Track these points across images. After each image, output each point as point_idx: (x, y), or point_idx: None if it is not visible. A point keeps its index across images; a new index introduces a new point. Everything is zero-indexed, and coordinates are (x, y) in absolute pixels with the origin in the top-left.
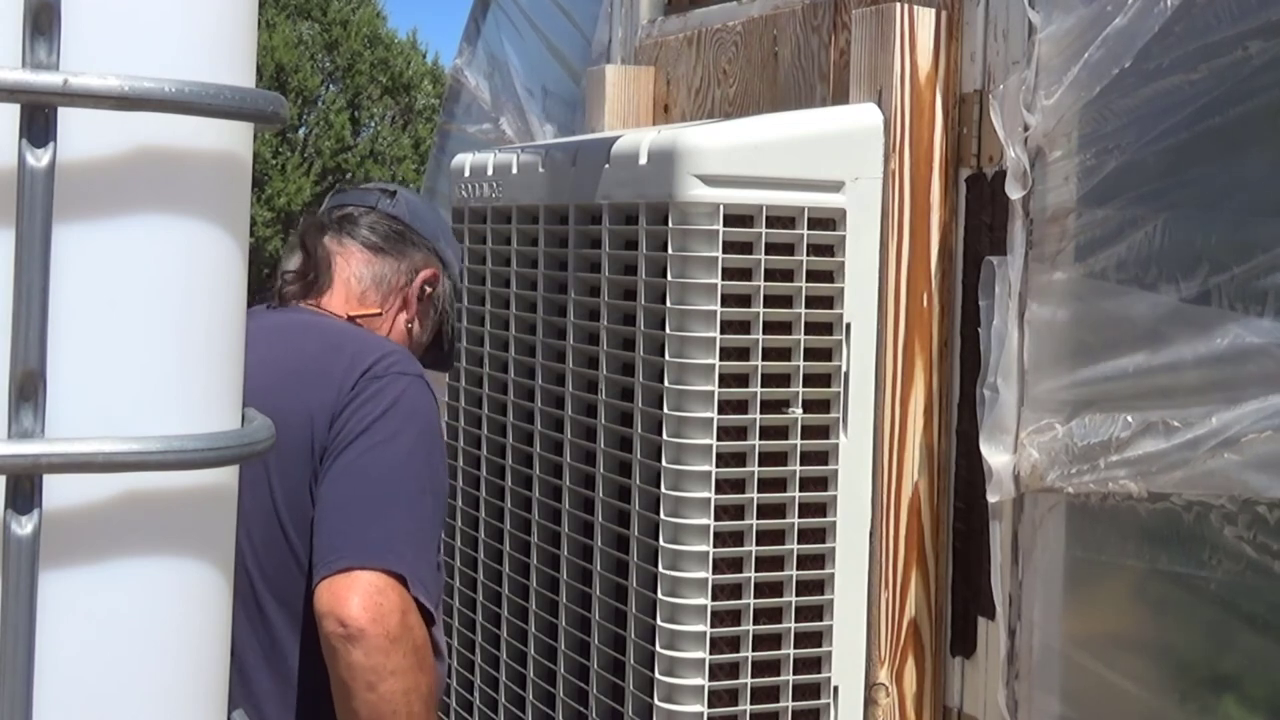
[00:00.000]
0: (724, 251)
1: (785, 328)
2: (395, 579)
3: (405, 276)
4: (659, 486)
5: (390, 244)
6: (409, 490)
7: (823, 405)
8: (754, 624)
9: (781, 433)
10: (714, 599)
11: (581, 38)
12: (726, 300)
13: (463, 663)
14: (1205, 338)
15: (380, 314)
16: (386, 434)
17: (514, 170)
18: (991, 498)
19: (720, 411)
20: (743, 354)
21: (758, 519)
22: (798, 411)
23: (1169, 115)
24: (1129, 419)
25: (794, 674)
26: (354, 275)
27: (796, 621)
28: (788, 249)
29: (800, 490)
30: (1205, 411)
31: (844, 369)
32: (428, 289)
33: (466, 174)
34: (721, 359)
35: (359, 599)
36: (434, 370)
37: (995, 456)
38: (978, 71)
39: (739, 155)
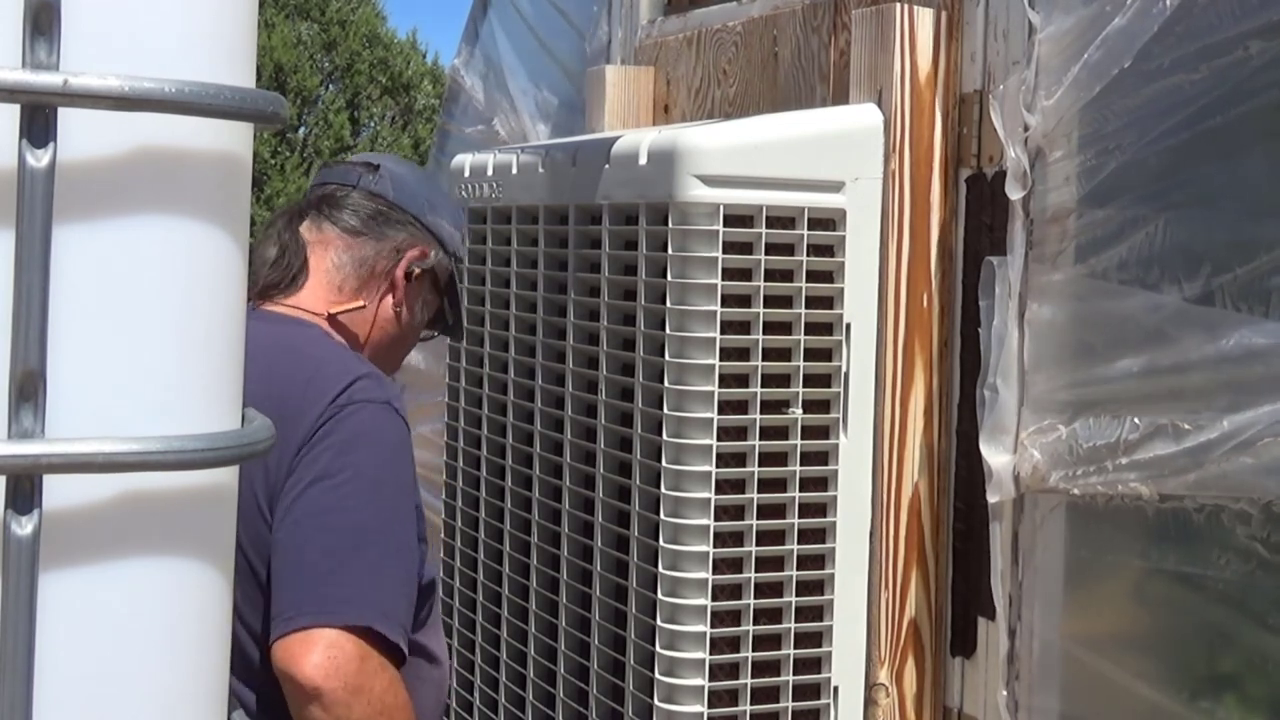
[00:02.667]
0: (724, 252)
1: (785, 328)
2: (351, 631)
3: (388, 260)
4: (659, 487)
5: (371, 226)
6: (373, 527)
7: (823, 405)
8: (754, 624)
9: (781, 433)
10: (714, 599)
11: (578, 38)
12: (726, 300)
13: (463, 663)
14: (1210, 339)
15: (363, 306)
16: (348, 472)
17: (514, 170)
18: (992, 498)
19: (720, 412)
20: (743, 354)
21: (758, 519)
22: (798, 412)
23: (1169, 115)
24: (1136, 421)
25: (794, 674)
26: (332, 264)
27: (796, 622)
28: (788, 249)
29: (800, 490)
30: (1216, 414)
31: (844, 369)
32: (416, 269)
33: (466, 174)
34: (721, 359)
35: (314, 657)
36: (447, 336)
37: (995, 457)
38: (978, 72)
39: (739, 155)
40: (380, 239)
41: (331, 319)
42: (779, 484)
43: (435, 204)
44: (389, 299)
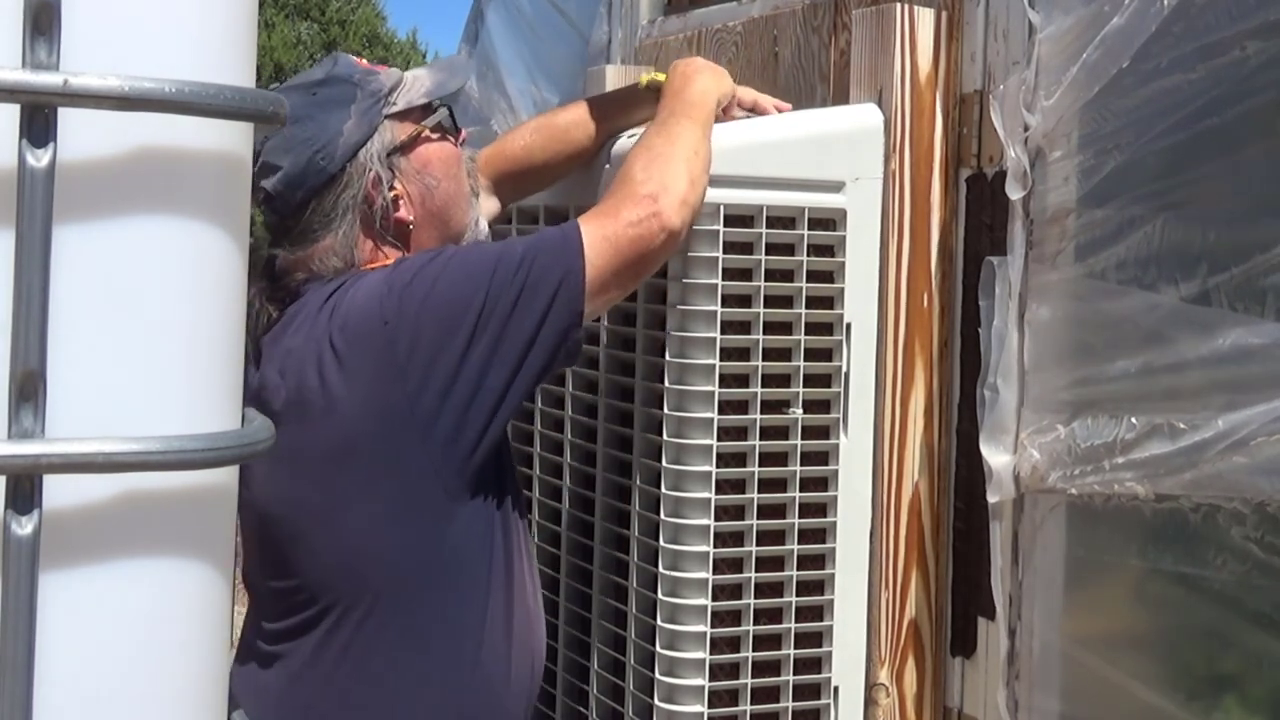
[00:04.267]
0: (724, 252)
1: (786, 328)
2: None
3: (359, 224)
4: (659, 487)
5: (319, 227)
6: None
7: (823, 405)
8: (754, 624)
9: (782, 433)
10: (714, 599)
11: (578, 38)
12: (727, 300)
13: None
14: (1208, 339)
15: (387, 259)
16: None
17: None
18: (991, 498)
19: (720, 412)
20: (743, 354)
21: (758, 519)
22: (798, 412)
23: (1169, 115)
24: (1133, 421)
25: (794, 674)
26: (324, 268)
27: (797, 622)
28: (788, 249)
29: (800, 490)
30: (1212, 414)
31: (844, 369)
32: (386, 190)
33: None
34: (722, 359)
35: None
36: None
37: (995, 457)
38: (978, 72)
39: (739, 155)
40: (335, 223)
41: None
42: (779, 484)
43: (323, 140)
44: (402, 232)
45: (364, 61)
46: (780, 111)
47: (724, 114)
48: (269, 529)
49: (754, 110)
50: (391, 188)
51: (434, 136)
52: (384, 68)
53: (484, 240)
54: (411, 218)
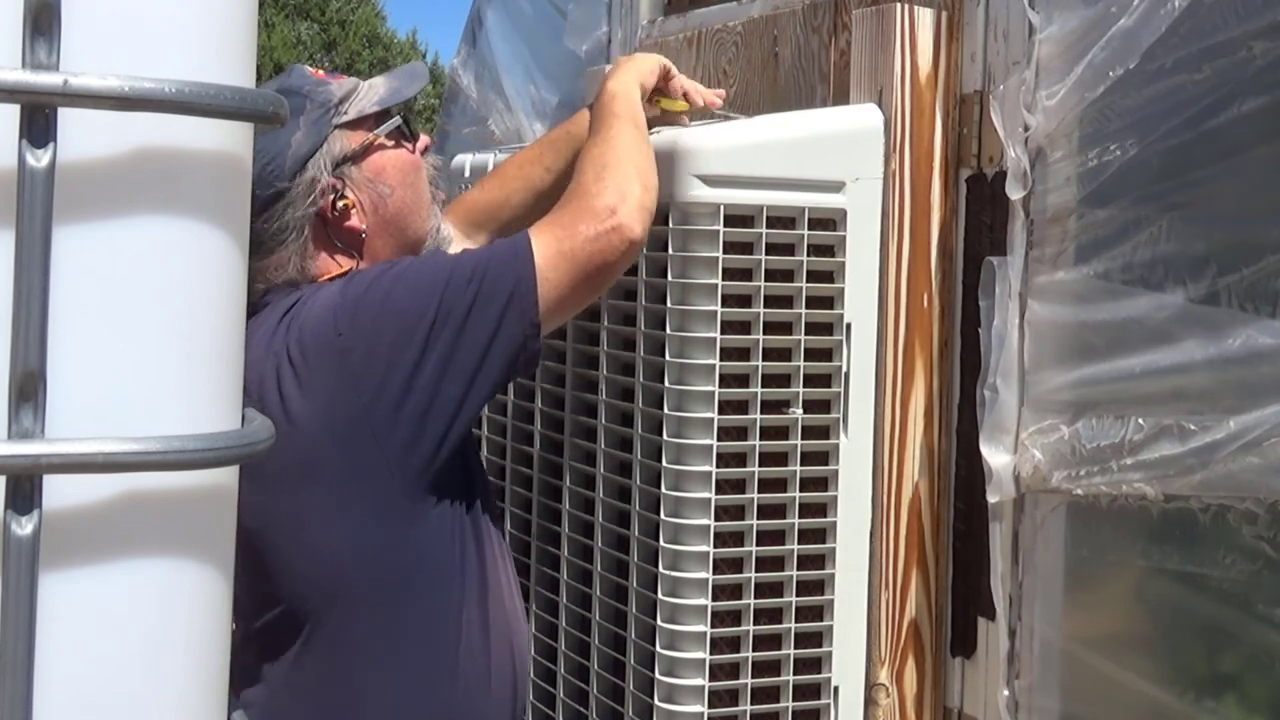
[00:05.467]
0: (725, 252)
1: (786, 328)
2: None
3: (309, 233)
4: (659, 487)
5: (270, 236)
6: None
7: (823, 405)
8: (754, 624)
9: (782, 433)
10: (714, 599)
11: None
12: (727, 300)
13: None
14: (1214, 339)
15: (342, 268)
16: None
17: None
18: (991, 498)
19: (721, 412)
20: (743, 354)
21: (758, 519)
22: (798, 412)
23: (1170, 116)
24: (1141, 421)
25: (794, 674)
26: (282, 277)
27: (797, 622)
28: (788, 249)
29: (800, 490)
30: (1222, 415)
31: (844, 369)
32: (334, 199)
33: (467, 174)
34: (722, 359)
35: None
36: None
37: (995, 457)
38: (978, 72)
39: (739, 156)
40: (286, 229)
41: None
42: (779, 484)
43: (275, 151)
44: (354, 241)
45: (320, 72)
46: (710, 105)
47: (665, 84)
48: (241, 543)
49: (686, 97)
50: (343, 197)
51: (388, 144)
52: (341, 77)
53: (441, 251)
54: (364, 227)
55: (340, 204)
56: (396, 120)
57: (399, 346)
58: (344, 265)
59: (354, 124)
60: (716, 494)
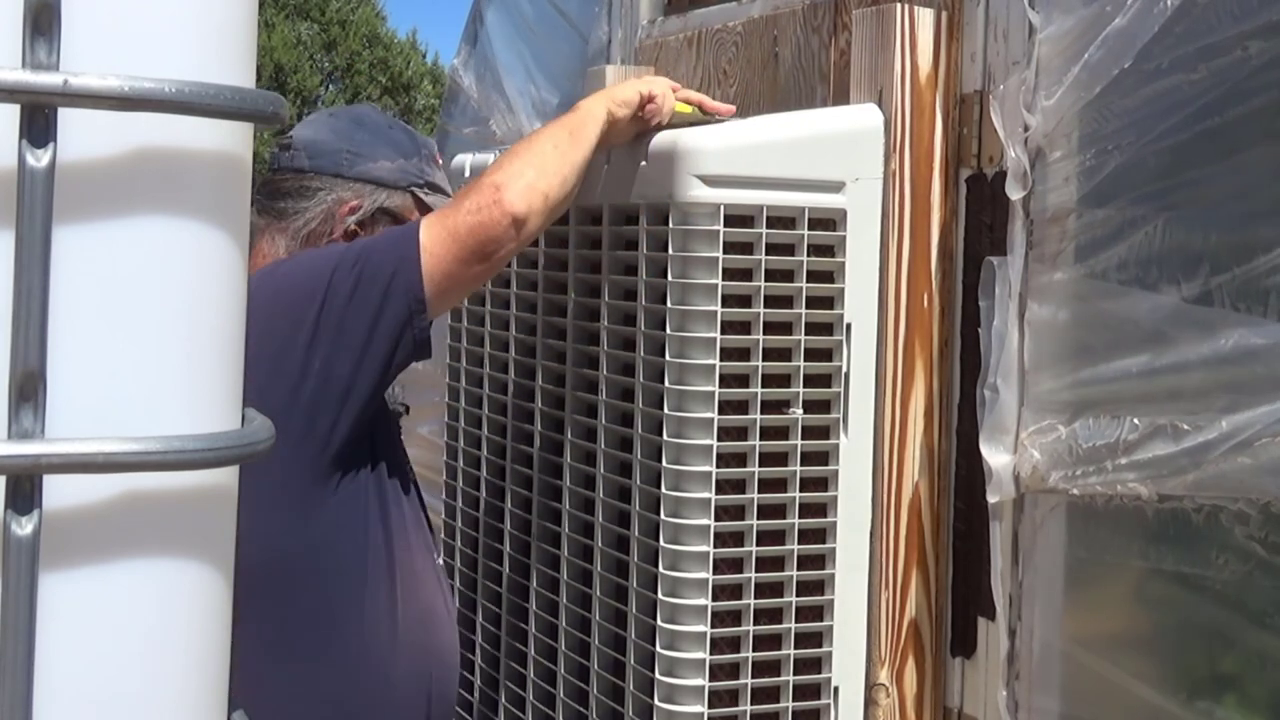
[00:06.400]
0: (724, 252)
1: (786, 328)
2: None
3: (317, 225)
4: (659, 487)
5: (295, 203)
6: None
7: (823, 405)
8: (754, 624)
9: (782, 433)
10: (714, 599)
11: (578, 38)
12: (727, 301)
13: (463, 663)
14: (1210, 339)
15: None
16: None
17: None
18: (991, 498)
19: (721, 412)
20: (743, 354)
21: (758, 519)
22: (798, 412)
23: (1169, 115)
24: (1135, 421)
25: (794, 674)
26: (266, 249)
27: (797, 622)
28: (788, 249)
29: (801, 491)
30: (1215, 415)
31: (844, 369)
32: (351, 223)
33: (466, 174)
34: (722, 359)
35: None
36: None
37: (995, 457)
38: (978, 72)
39: (739, 156)
40: (305, 213)
41: None
42: (779, 484)
43: (361, 150)
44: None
45: (439, 158)
46: (722, 115)
47: (645, 111)
48: None
49: (700, 107)
50: (355, 226)
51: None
52: (439, 158)
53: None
54: None
55: (352, 224)
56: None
57: (289, 331)
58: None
59: (419, 202)
60: (716, 494)
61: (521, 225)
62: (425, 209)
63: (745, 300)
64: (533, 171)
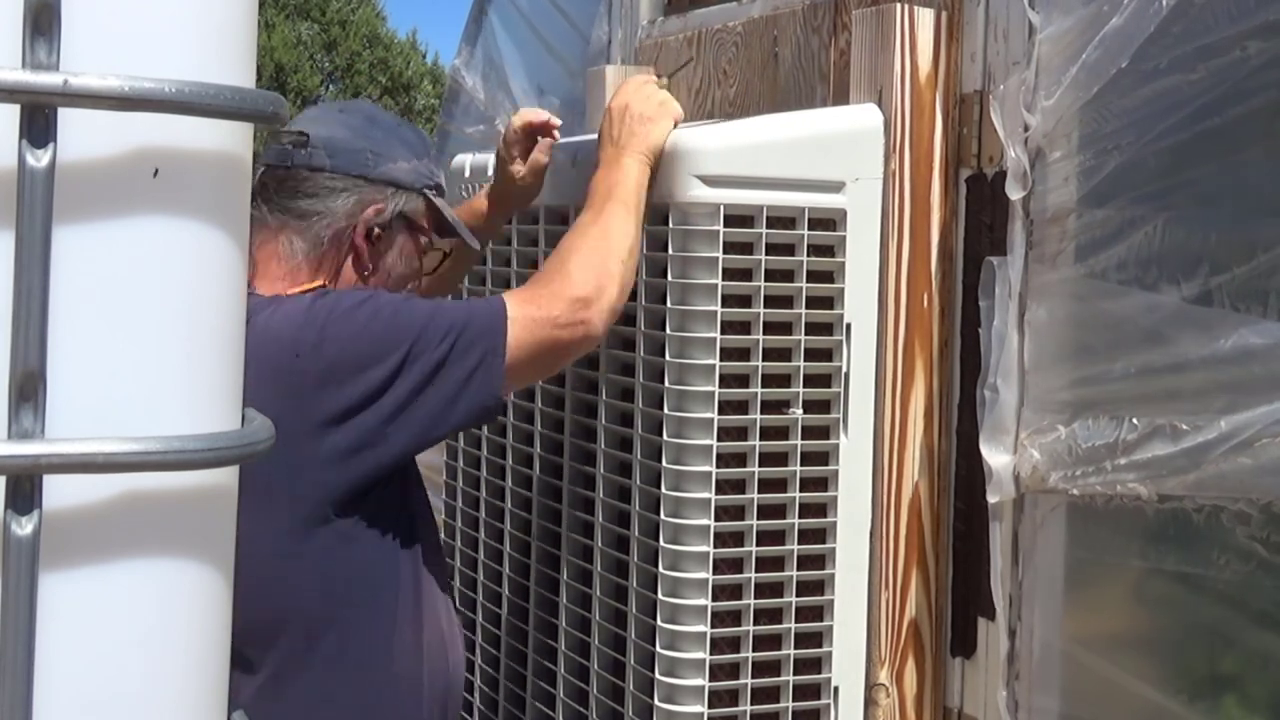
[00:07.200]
0: (724, 252)
1: (786, 328)
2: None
3: (341, 225)
4: (659, 487)
5: (313, 202)
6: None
7: (823, 406)
8: (754, 624)
9: (782, 433)
10: (714, 599)
11: (579, 37)
12: (727, 301)
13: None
14: (1209, 339)
15: (323, 284)
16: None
17: None
18: (991, 498)
19: (721, 412)
20: (743, 354)
21: (758, 519)
22: (798, 412)
23: (1169, 115)
24: (1135, 421)
25: (794, 674)
26: (285, 250)
27: (797, 622)
28: (788, 249)
29: (800, 491)
30: (1215, 415)
31: (844, 369)
32: (376, 229)
33: (467, 174)
34: (722, 359)
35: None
36: (468, 251)
37: (995, 457)
38: (978, 72)
39: (739, 156)
40: (325, 213)
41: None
42: (779, 484)
43: (381, 150)
44: (349, 266)
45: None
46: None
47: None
48: None
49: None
50: (381, 230)
51: (420, 240)
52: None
53: (414, 296)
54: (368, 263)
55: (375, 233)
56: (447, 246)
57: (357, 379)
58: (318, 280)
59: (430, 205)
60: (716, 494)
61: (595, 344)
62: (435, 212)
63: (745, 300)
64: (617, 288)
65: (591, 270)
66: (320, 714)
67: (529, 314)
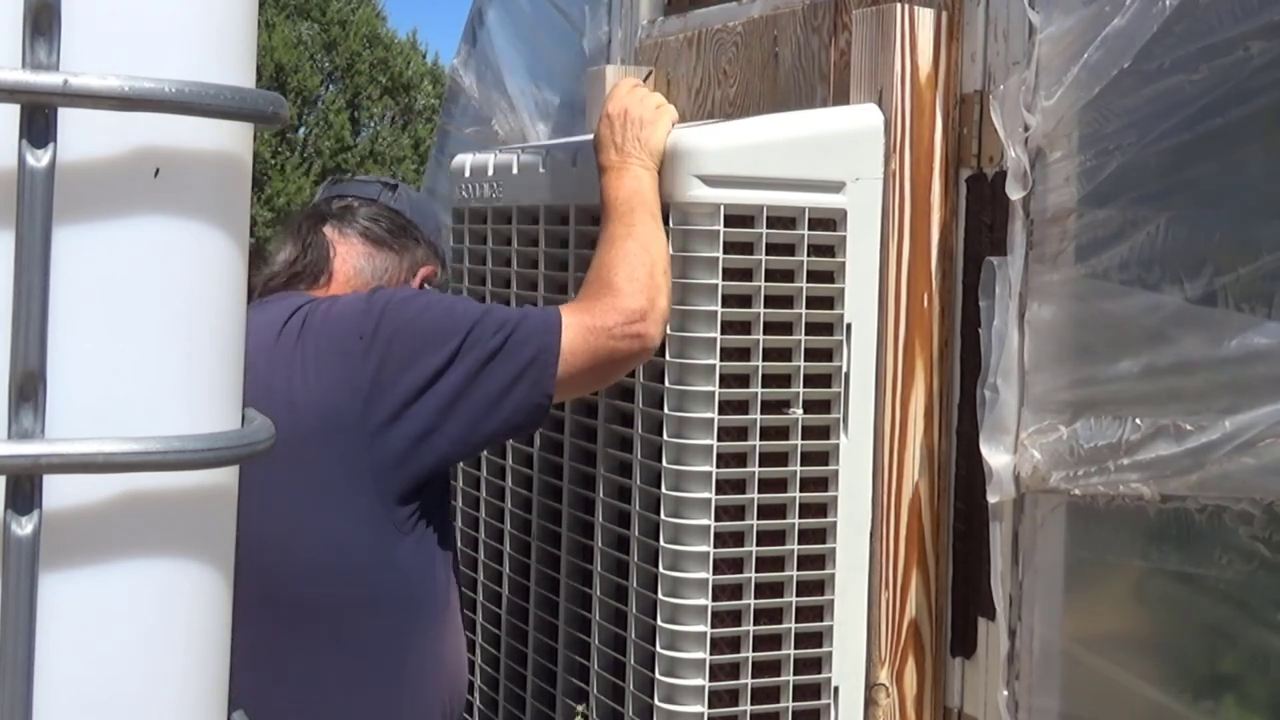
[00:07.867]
0: (725, 252)
1: (786, 328)
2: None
3: (407, 272)
4: (659, 487)
5: (393, 238)
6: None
7: (823, 406)
8: (754, 624)
9: (782, 433)
10: (714, 599)
11: (578, 37)
12: (727, 301)
13: None
14: (1211, 339)
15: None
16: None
17: (515, 170)
18: (991, 498)
19: (721, 412)
20: (743, 354)
21: (758, 519)
22: (798, 412)
23: (1169, 115)
24: (1138, 421)
25: (794, 674)
26: (354, 268)
27: (797, 622)
28: (788, 249)
29: (801, 491)
30: (1218, 415)
31: (844, 369)
32: (427, 286)
33: (467, 174)
34: (722, 359)
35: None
36: None
37: (995, 457)
38: (978, 72)
39: (740, 156)
40: (399, 252)
41: None
42: (779, 484)
43: (439, 228)
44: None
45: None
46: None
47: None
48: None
49: None
50: (426, 285)
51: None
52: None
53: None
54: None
55: (427, 287)
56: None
57: (414, 367)
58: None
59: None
60: (717, 494)
61: (651, 354)
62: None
63: (745, 300)
64: (666, 299)
65: (639, 284)
66: (355, 698)
67: (584, 322)
